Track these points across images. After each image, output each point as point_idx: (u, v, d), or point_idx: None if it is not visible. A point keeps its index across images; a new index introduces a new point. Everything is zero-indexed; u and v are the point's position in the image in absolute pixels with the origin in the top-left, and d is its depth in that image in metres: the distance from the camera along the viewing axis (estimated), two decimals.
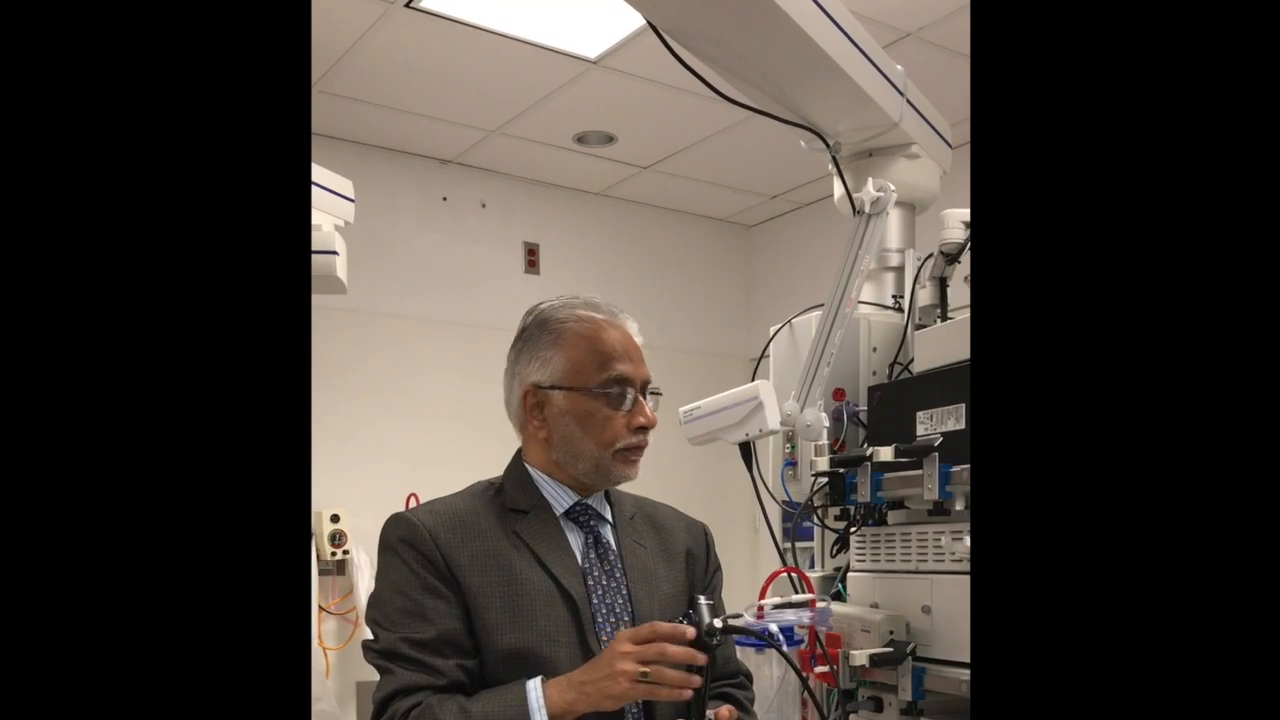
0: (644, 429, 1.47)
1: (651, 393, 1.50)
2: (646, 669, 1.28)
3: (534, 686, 1.33)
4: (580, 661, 1.38)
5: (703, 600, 1.36)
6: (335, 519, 3.87)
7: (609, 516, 1.53)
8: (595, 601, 1.44)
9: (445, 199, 4.41)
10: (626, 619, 1.44)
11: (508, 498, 1.48)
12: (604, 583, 1.46)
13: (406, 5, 3.16)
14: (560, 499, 1.49)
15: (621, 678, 1.28)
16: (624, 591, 1.47)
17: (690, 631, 1.31)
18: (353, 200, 3.01)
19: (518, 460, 1.53)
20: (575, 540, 1.48)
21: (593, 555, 1.47)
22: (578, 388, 1.45)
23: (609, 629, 1.43)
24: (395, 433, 4.12)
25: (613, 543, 1.51)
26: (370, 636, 1.43)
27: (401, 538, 1.42)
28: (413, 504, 4.05)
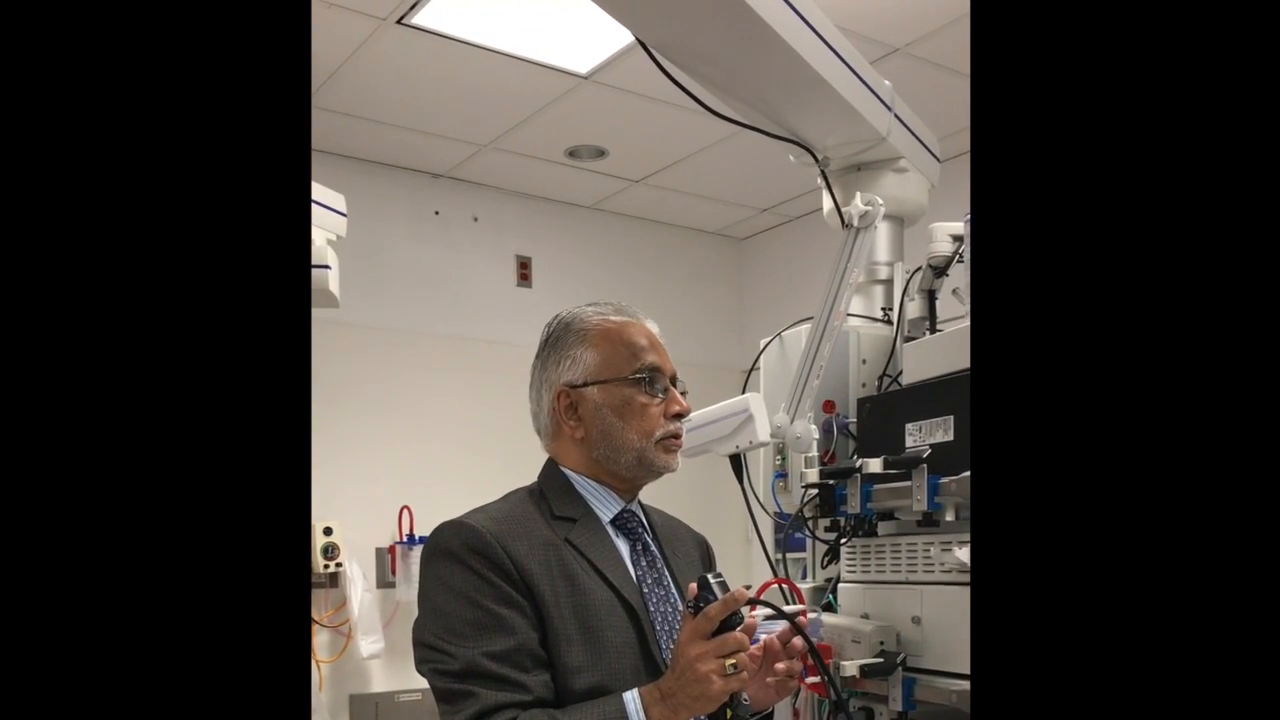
0: (680, 416, 1.48)
1: (680, 391, 1.51)
2: (732, 660, 1.26)
3: (633, 699, 1.30)
4: (644, 672, 1.36)
5: (712, 578, 1.32)
6: (328, 532, 3.87)
7: (648, 524, 1.54)
8: (652, 610, 1.43)
9: (437, 213, 4.42)
10: (679, 628, 1.40)
11: (553, 505, 1.46)
12: (658, 592, 1.46)
13: (399, 22, 3.18)
14: (606, 506, 1.48)
15: (713, 677, 1.25)
16: (672, 600, 1.47)
17: (744, 594, 1.29)
18: (345, 214, 3.02)
19: (554, 468, 1.51)
20: (623, 549, 1.47)
21: (643, 564, 1.47)
22: (612, 379, 1.46)
23: (666, 638, 1.42)
24: (387, 445, 4.13)
25: (658, 552, 1.52)
26: (428, 659, 1.35)
27: (468, 545, 1.35)
28: (405, 517, 4.07)
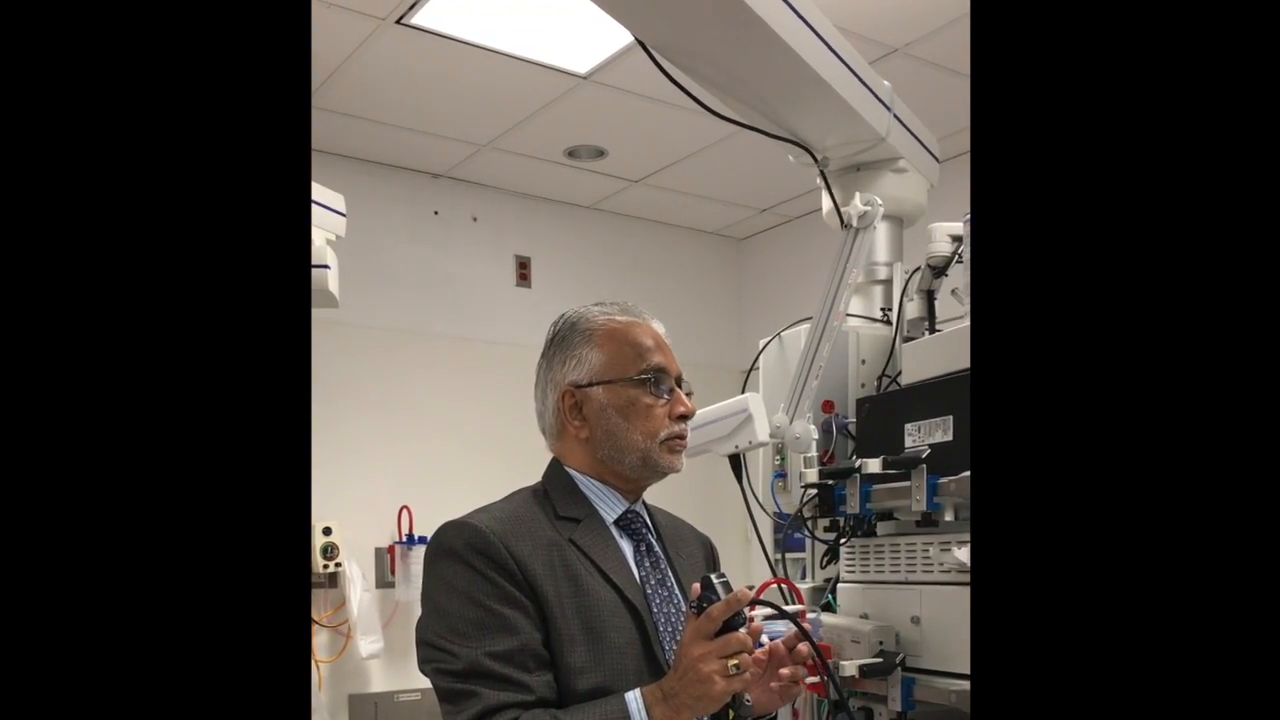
0: (684, 418, 1.48)
1: (686, 392, 1.51)
2: (734, 661, 1.26)
3: (635, 699, 1.30)
4: (647, 673, 1.36)
5: (715, 579, 1.32)
6: (327, 532, 3.87)
7: (651, 525, 1.54)
8: (655, 611, 1.43)
9: (437, 213, 4.43)
10: (682, 629, 1.39)
11: (557, 505, 1.45)
12: (661, 593, 1.46)
13: (398, 22, 3.18)
14: (610, 506, 1.48)
15: (716, 678, 1.25)
16: (675, 601, 1.47)
17: (747, 595, 1.29)
18: (344, 215, 3.02)
19: (558, 468, 1.51)
20: (627, 549, 1.47)
21: (646, 564, 1.47)
22: (617, 379, 1.46)
23: (669, 639, 1.42)
24: (386, 445, 4.13)
25: (661, 552, 1.51)
26: (431, 658, 1.35)
27: (471, 545, 1.35)
28: (405, 517, 4.07)
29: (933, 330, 2.00)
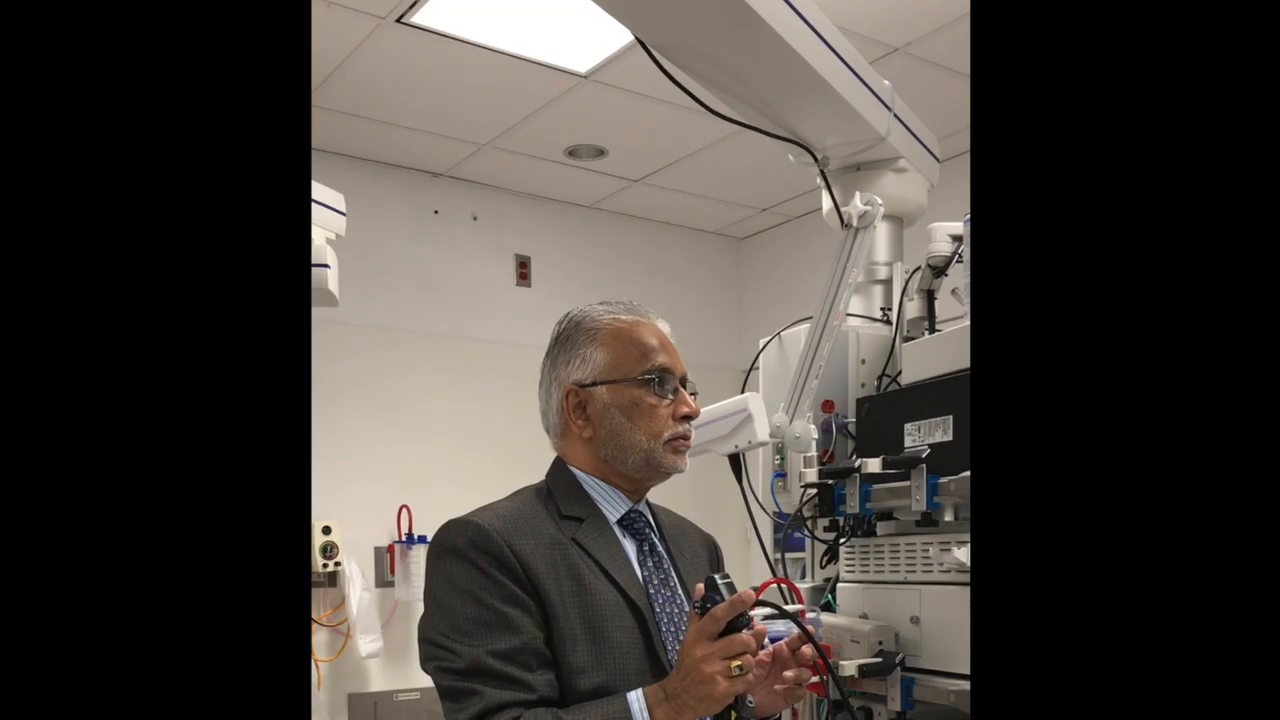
0: (688, 418, 1.48)
1: (690, 393, 1.50)
2: (737, 662, 1.25)
3: (637, 699, 1.30)
4: (650, 673, 1.36)
5: (719, 579, 1.31)
6: (327, 531, 3.87)
7: (655, 524, 1.53)
8: (658, 611, 1.43)
9: (437, 212, 4.43)
10: (685, 629, 1.38)
11: (560, 504, 1.45)
12: (664, 593, 1.45)
13: (398, 20, 3.18)
14: (613, 506, 1.48)
15: (719, 679, 1.25)
16: (678, 601, 1.46)
17: (751, 595, 1.28)
18: (344, 214, 3.02)
19: (561, 466, 1.51)
20: (630, 549, 1.47)
21: (649, 564, 1.47)
22: (621, 379, 1.45)
23: (672, 639, 1.41)
24: (386, 444, 4.13)
25: (664, 552, 1.51)
26: (434, 656, 1.35)
27: (473, 543, 1.36)
28: (404, 516, 4.07)
29: (933, 330, 2.00)
